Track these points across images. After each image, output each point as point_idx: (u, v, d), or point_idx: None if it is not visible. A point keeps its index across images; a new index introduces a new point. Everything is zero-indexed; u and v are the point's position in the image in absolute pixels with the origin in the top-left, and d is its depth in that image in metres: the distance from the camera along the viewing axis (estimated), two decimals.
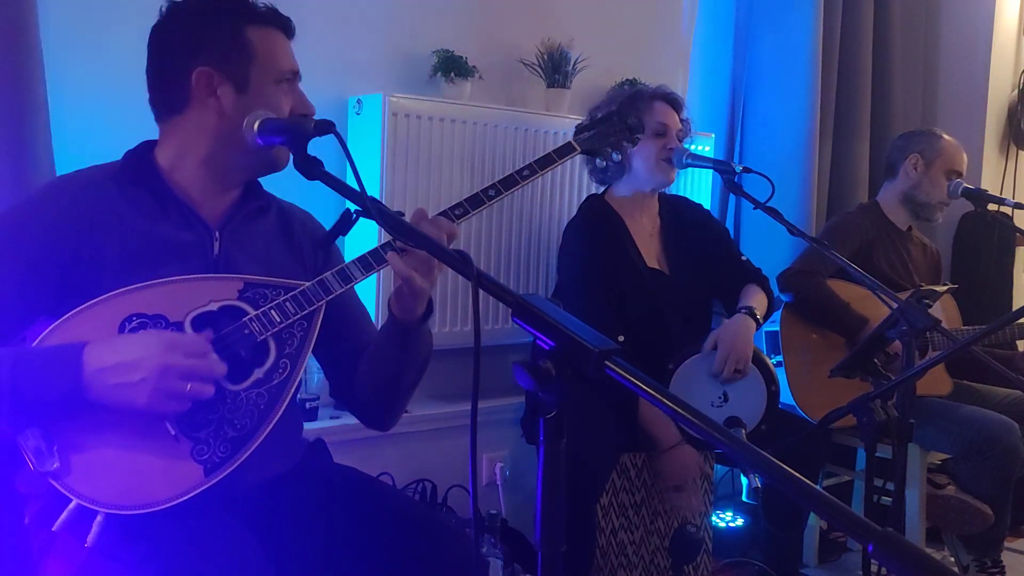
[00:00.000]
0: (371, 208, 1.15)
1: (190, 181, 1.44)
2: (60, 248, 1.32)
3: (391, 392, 1.55)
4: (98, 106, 1.96)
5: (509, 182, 1.55)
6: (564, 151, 1.66)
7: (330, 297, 1.39)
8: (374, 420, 1.61)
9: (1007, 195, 3.58)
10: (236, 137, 1.39)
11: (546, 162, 1.61)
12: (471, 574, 1.43)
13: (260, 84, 1.41)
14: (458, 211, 1.48)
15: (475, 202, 1.50)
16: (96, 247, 1.34)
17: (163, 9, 1.44)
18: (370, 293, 2.29)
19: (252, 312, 1.35)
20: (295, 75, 1.46)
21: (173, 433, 1.27)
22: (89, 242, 1.34)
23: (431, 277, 1.40)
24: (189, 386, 1.23)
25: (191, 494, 1.26)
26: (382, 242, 1.44)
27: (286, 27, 1.47)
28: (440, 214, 1.46)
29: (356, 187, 1.14)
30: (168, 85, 1.43)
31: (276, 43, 1.44)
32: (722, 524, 2.90)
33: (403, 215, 1.37)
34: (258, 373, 1.34)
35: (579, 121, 2.10)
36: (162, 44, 1.44)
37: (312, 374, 2.23)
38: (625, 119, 1.75)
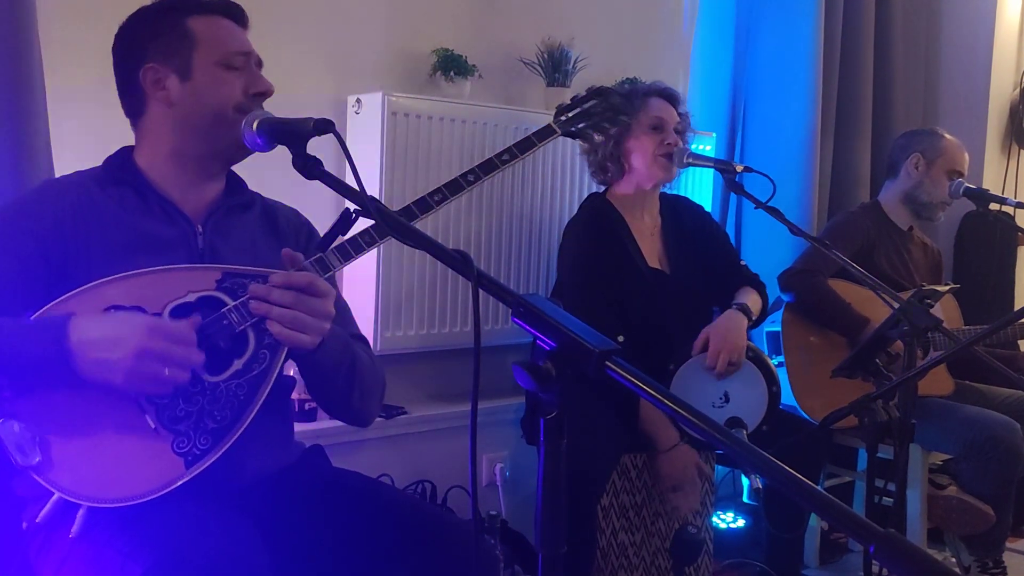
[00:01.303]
0: (370, 208, 1.14)
1: (167, 178, 1.46)
2: (47, 246, 1.34)
3: (334, 407, 1.55)
4: (97, 106, 1.95)
5: (488, 166, 1.53)
6: (544, 134, 1.61)
7: None
8: (344, 420, 1.61)
9: (1009, 194, 3.57)
10: (192, 124, 1.42)
11: (526, 145, 1.58)
12: (480, 570, 1.42)
13: (203, 69, 1.43)
14: (437, 197, 1.47)
15: (454, 187, 1.49)
16: (82, 243, 1.36)
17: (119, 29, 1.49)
18: (370, 292, 2.29)
19: (231, 302, 1.34)
20: (248, 56, 1.47)
21: (153, 426, 1.27)
22: (74, 239, 1.36)
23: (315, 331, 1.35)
24: (167, 371, 1.22)
25: (172, 487, 1.25)
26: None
27: (232, 14, 1.49)
28: (419, 200, 1.46)
29: (355, 186, 1.14)
30: (128, 91, 1.47)
31: (220, 28, 1.46)
32: (723, 525, 2.90)
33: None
34: (237, 364, 1.33)
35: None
36: (117, 55, 1.48)
37: None
38: (608, 98, 1.69)
